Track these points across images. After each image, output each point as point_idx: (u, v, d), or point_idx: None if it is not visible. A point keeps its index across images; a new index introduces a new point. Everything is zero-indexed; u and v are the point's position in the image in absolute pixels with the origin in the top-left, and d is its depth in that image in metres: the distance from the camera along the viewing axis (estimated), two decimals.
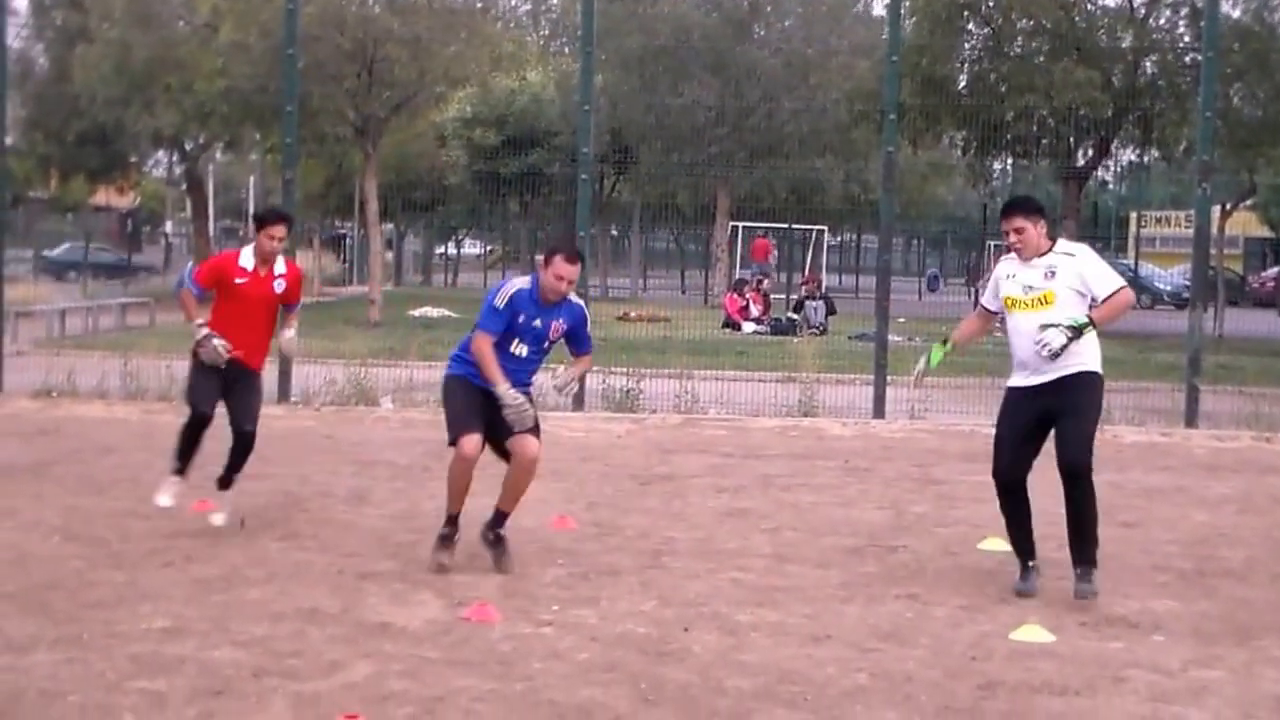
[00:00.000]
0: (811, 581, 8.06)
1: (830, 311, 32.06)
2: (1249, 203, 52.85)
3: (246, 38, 27.79)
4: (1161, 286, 51.90)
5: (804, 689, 6.08)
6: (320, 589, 7.59)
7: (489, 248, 63.52)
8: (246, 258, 9.04)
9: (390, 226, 52.64)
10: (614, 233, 52.43)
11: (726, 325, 31.04)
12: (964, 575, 8.26)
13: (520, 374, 8.22)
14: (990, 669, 6.42)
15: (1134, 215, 60.57)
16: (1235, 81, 30.78)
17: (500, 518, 8.26)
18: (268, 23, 25.68)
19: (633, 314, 31.78)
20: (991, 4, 32.58)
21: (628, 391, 15.94)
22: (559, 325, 8.28)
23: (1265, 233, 57.60)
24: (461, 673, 6.19)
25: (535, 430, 8.25)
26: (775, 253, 44.05)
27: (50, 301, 28.64)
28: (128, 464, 11.65)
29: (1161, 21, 33.35)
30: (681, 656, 6.53)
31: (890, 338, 16.89)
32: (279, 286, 9.11)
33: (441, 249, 63.88)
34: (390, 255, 50.60)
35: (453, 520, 8.23)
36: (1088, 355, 7.77)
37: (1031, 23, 32.67)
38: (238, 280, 8.96)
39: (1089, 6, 33.38)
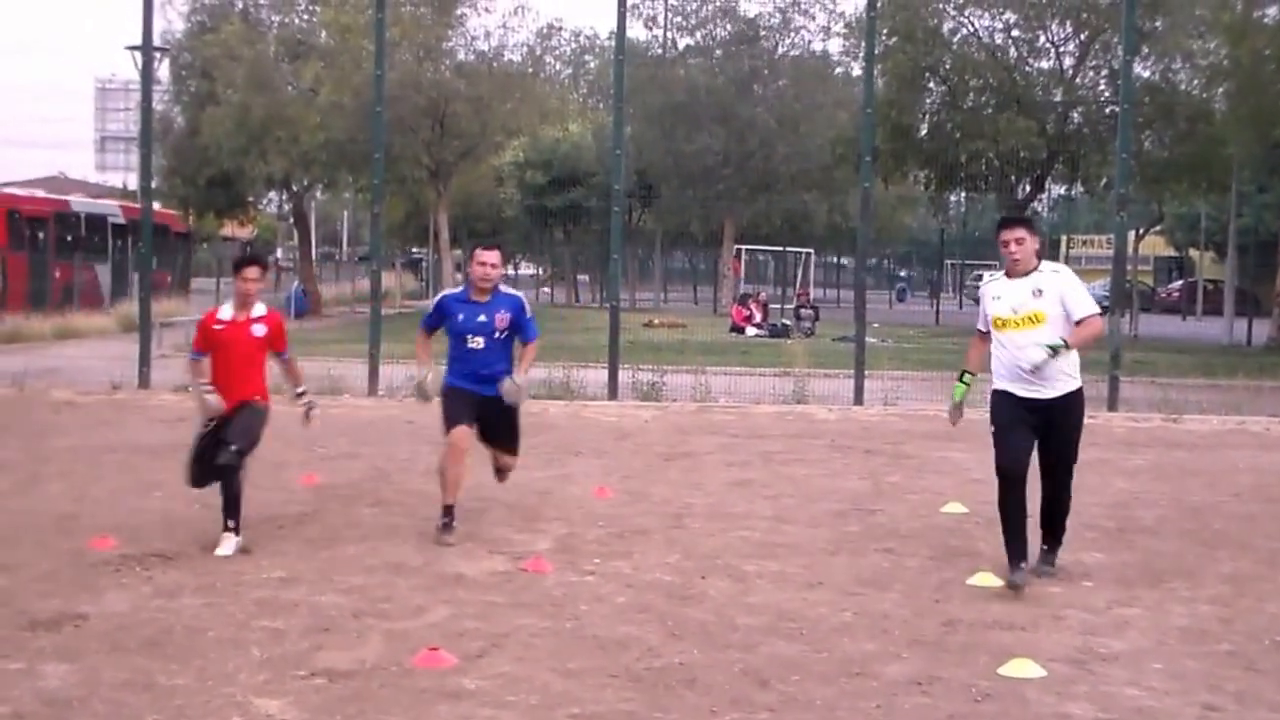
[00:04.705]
0: (805, 539, 8.04)
1: (816, 318, 32.01)
2: (1158, 228, 52.78)
3: (341, 99, 27.95)
4: None
5: (800, 625, 6.07)
6: (406, 547, 7.60)
7: (539, 268, 63.57)
8: (225, 310, 7.92)
9: (458, 251, 52.74)
10: (640, 255, 52.33)
11: (733, 330, 31.00)
12: (930, 533, 8.23)
13: (487, 364, 7.87)
14: (952, 609, 6.40)
15: (1064, 238, 60.39)
16: (1146, 129, 30.66)
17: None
18: (358, 86, 25.84)
19: (656, 321, 31.81)
20: (948, 66, 32.49)
21: (653, 384, 15.91)
22: (502, 316, 7.91)
23: (1171, 253, 57.32)
24: (521, 613, 6.19)
25: (514, 447, 8.28)
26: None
27: (187, 314, 28.77)
28: None
29: (1086, 80, 33.19)
30: (700, 599, 6.53)
31: (867, 340, 16.82)
32: (258, 330, 7.82)
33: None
34: (458, 275, 50.57)
35: (448, 510, 7.79)
36: (1074, 371, 6.92)
37: (980, 81, 32.56)
38: (215, 328, 7.80)
39: (1027, 68, 33.23)
